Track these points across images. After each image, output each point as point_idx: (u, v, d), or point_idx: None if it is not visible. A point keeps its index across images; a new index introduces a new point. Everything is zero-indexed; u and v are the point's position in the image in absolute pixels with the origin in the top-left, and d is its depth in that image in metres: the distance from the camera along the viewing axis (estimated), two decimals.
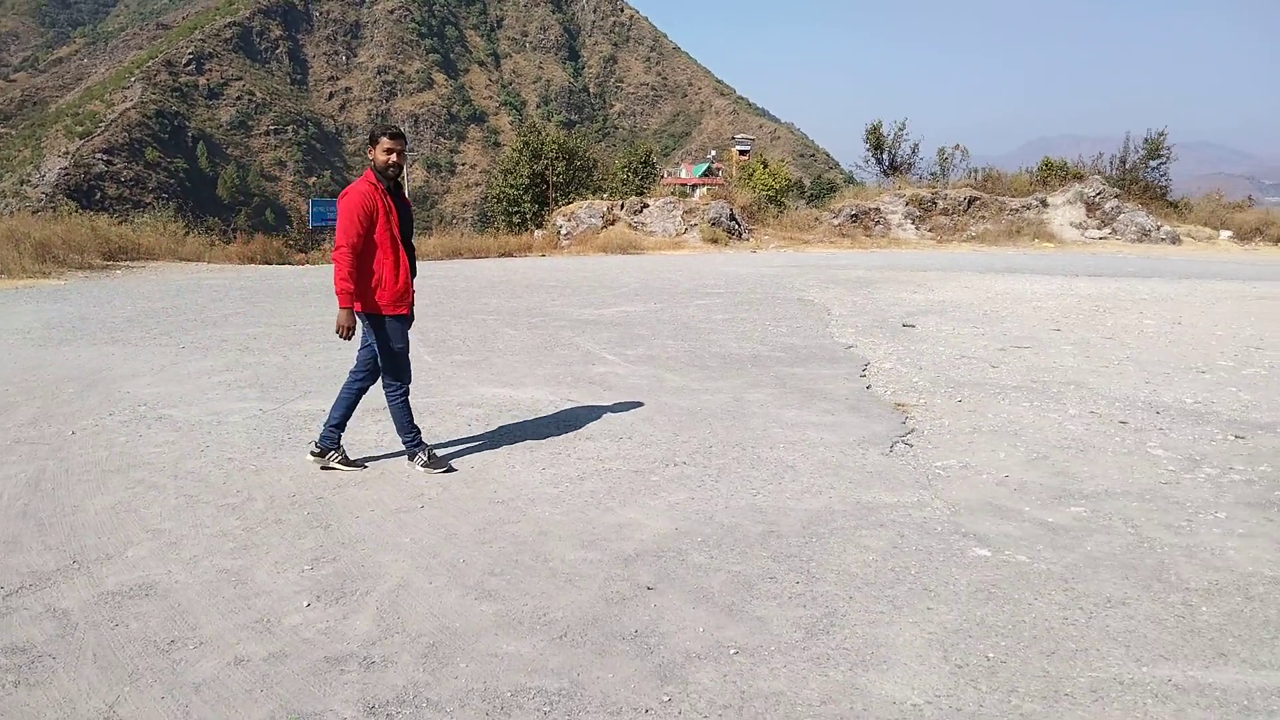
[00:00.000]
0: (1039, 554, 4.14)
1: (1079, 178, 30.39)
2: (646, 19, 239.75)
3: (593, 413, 6.60)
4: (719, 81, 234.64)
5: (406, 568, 3.93)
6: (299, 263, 20.27)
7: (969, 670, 3.10)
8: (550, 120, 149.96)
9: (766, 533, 4.35)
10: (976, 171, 31.61)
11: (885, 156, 32.17)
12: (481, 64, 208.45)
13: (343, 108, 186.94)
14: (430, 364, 8.27)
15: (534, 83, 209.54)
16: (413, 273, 5.10)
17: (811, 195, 37.91)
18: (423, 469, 5.18)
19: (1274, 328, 11.26)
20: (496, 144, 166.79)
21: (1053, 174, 30.94)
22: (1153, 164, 31.40)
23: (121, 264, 17.67)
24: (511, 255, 22.75)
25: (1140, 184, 30.76)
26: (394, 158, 4.91)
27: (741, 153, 40.81)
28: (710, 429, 6.20)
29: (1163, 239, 27.59)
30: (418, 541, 4.22)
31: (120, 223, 19.72)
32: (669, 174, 76.74)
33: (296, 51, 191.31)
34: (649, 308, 12.26)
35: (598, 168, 32.95)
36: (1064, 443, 6.01)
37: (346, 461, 5.28)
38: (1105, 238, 27.81)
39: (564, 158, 30.57)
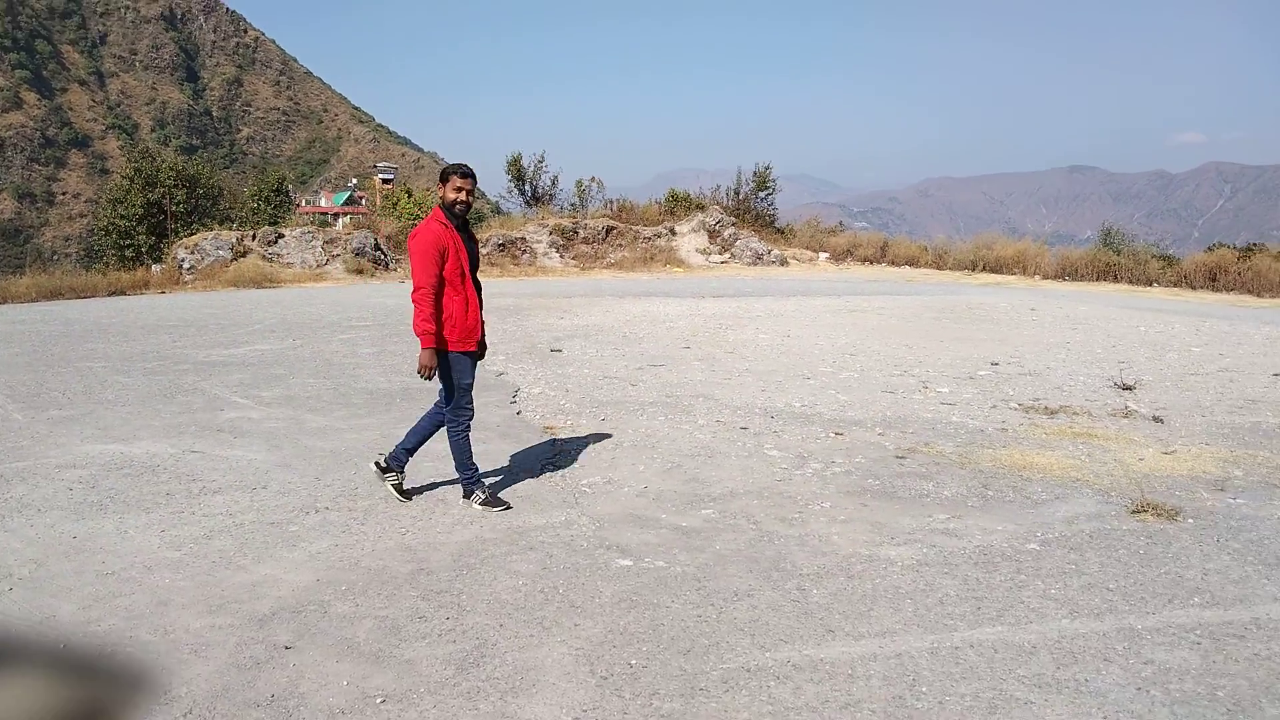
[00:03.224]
0: (675, 558, 4.41)
1: (701, 208, 33.12)
2: (274, 41, 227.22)
3: (222, 464, 6.07)
4: (356, 108, 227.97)
5: None
6: None
7: (613, 680, 3.21)
8: (168, 145, 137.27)
9: (416, 571, 4.24)
10: (612, 202, 33.34)
11: (527, 188, 33.00)
12: (83, 83, 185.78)
13: None
14: (20, 423, 7.17)
15: (147, 105, 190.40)
16: (480, 308, 5.16)
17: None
18: (480, 507, 5.14)
19: (863, 336, 12.96)
20: (104, 171, 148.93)
21: (679, 204, 33.45)
22: (762, 194, 34.97)
23: None
24: (125, 293, 20.44)
25: (752, 213, 34.13)
26: (463, 196, 5.00)
27: (385, 181, 39.93)
28: (356, 469, 5.95)
29: (773, 262, 30.83)
30: None
31: None
32: (307, 203, 73.26)
33: None
34: (287, 345, 11.57)
35: (224, 196, 30.58)
36: (695, 451, 6.48)
37: (400, 490, 5.32)
38: (726, 262, 30.55)
39: (184, 185, 28.05)
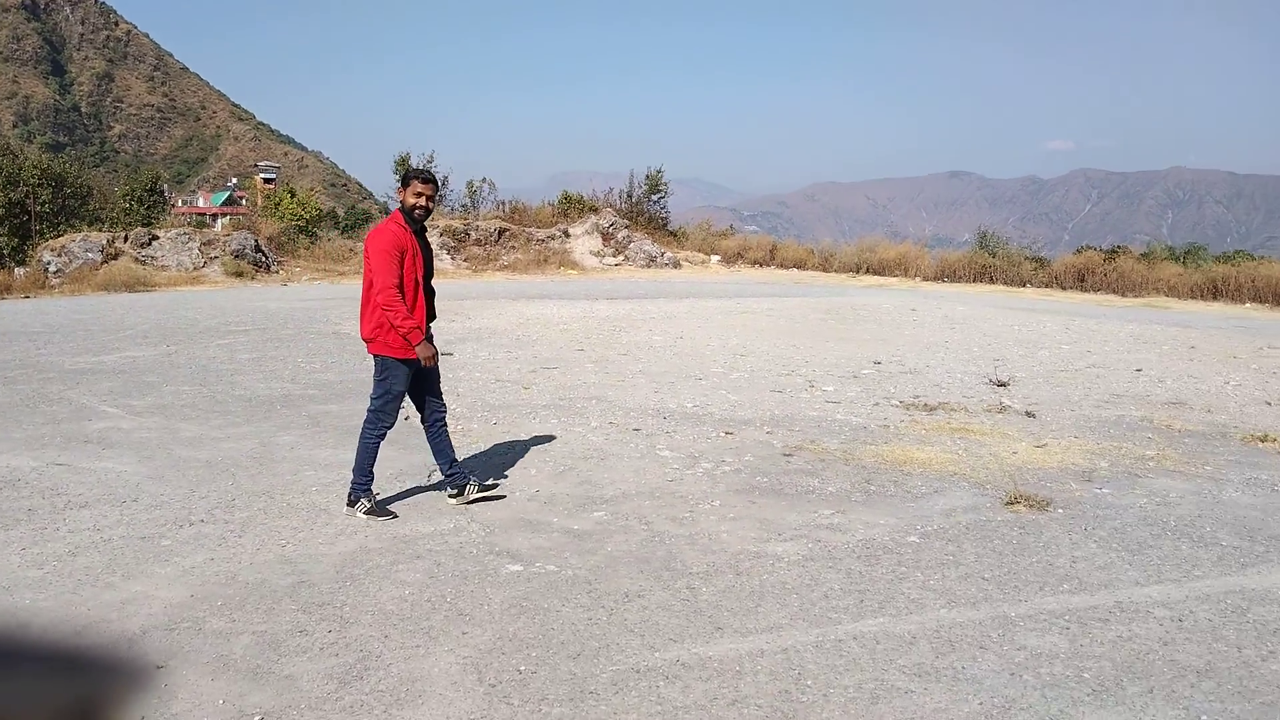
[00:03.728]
0: (567, 561, 4.39)
1: (594, 210, 33.16)
2: (147, 35, 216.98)
3: (89, 476, 5.75)
4: (236, 106, 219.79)
5: None
6: None
7: (502, 688, 3.17)
8: (32, 142, 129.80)
9: (297, 584, 4.10)
10: (505, 204, 33.07)
11: None
12: None
13: None
14: None
15: (8, 99, 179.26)
16: (433, 315, 5.14)
17: (346, 225, 36.84)
18: (364, 516, 5.01)
19: (753, 337, 13.18)
20: None
21: (572, 206, 33.41)
22: (654, 197, 35.24)
23: None
24: None
25: (645, 215, 34.36)
26: (423, 201, 4.96)
27: (267, 180, 38.77)
28: (234, 480, 5.72)
29: (666, 264, 31.09)
30: None
31: None
32: (184, 203, 70.38)
33: None
34: (161, 351, 11.07)
35: (94, 195, 29.05)
36: (588, 453, 6.47)
37: (483, 488, 5.31)
38: (620, 264, 30.66)
39: (49, 184, 26.56)
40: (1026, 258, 27.52)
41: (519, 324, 14.70)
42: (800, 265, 31.90)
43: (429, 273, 5.11)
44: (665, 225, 35.32)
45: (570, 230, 31.68)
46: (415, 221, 5.00)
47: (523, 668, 3.31)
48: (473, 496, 5.28)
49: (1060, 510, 5.30)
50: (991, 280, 26.49)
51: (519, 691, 3.14)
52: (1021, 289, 25.17)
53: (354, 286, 23.32)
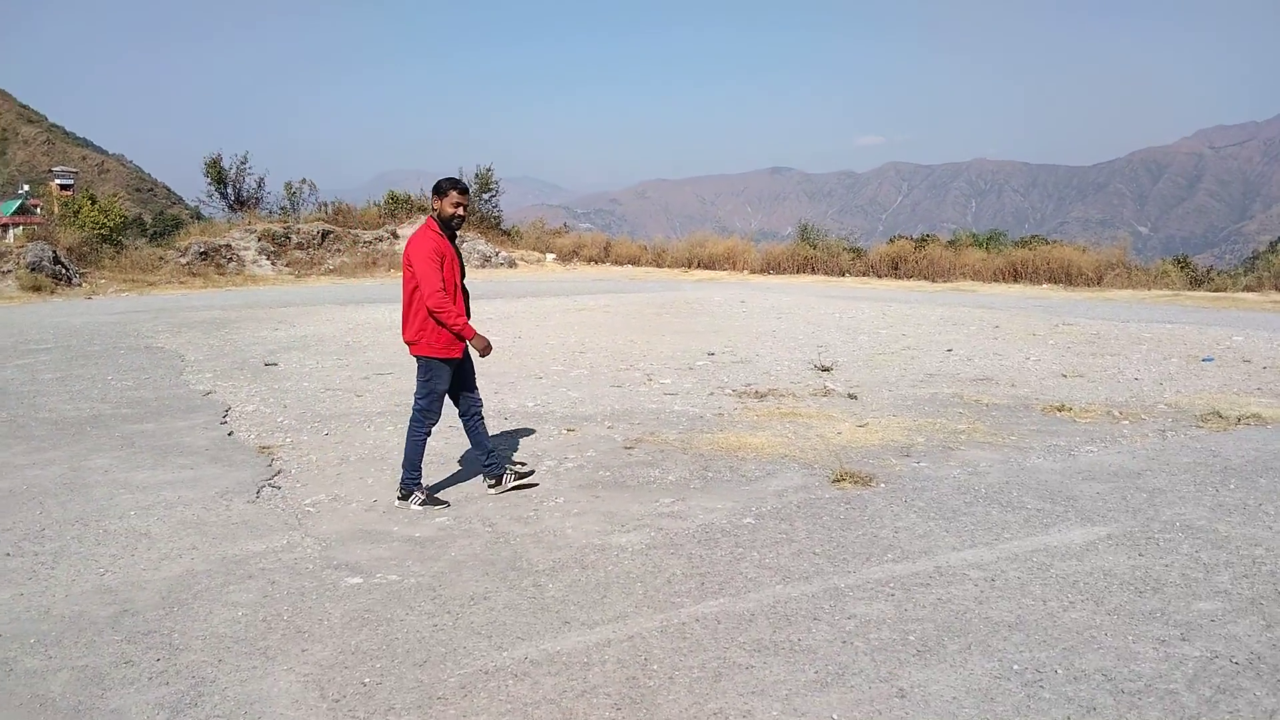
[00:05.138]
0: (409, 570, 4.33)
1: (424, 210, 32.51)
2: None
3: None
4: (24, 106, 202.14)
5: None
6: None
7: (346, 702, 3.10)
8: None
9: (119, 613, 3.87)
10: (327, 205, 31.95)
11: (230, 191, 30.89)
12: None
13: None
14: None
15: None
16: (468, 314, 5.35)
17: (155, 232, 34.60)
18: (419, 507, 5.27)
19: (591, 334, 13.29)
20: None
21: (400, 206, 32.64)
22: (486, 196, 34.89)
23: None
24: None
25: (478, 215, 33.96)
26: (460, 211, 5.27)
27: (64, 187, 35.85)
28: (42, 508, 5.32)
29: (502, 264, 30.87)
30: None
31: None
32: None
33: None
34: None
35: None
36: (427, 459, 6.35)
37: (519, 476, 5.56)
38: None
39: None
40: (845, 248, 28.89)
41: (349, 330, 14.27)
42: (635, 262, 32.35)
43: (462, 274, 5.41)
44: (499, 224, 35.06)
45: (399, 231, 30.95)
46: (451, 230, 5.30)
47: (367, 680, 3.25)
48: (509, 486, 5.52)
49: (883, 485, 5.63)
50: (813, 271, 27.68)
51: (364, 704, 3.08)
52: (841, 278, 26.42)
53: (165, 297, 22.01)
